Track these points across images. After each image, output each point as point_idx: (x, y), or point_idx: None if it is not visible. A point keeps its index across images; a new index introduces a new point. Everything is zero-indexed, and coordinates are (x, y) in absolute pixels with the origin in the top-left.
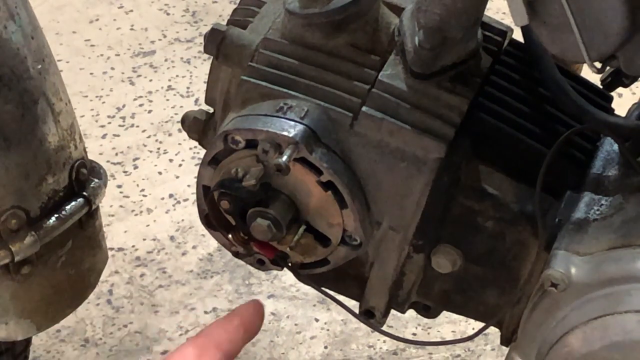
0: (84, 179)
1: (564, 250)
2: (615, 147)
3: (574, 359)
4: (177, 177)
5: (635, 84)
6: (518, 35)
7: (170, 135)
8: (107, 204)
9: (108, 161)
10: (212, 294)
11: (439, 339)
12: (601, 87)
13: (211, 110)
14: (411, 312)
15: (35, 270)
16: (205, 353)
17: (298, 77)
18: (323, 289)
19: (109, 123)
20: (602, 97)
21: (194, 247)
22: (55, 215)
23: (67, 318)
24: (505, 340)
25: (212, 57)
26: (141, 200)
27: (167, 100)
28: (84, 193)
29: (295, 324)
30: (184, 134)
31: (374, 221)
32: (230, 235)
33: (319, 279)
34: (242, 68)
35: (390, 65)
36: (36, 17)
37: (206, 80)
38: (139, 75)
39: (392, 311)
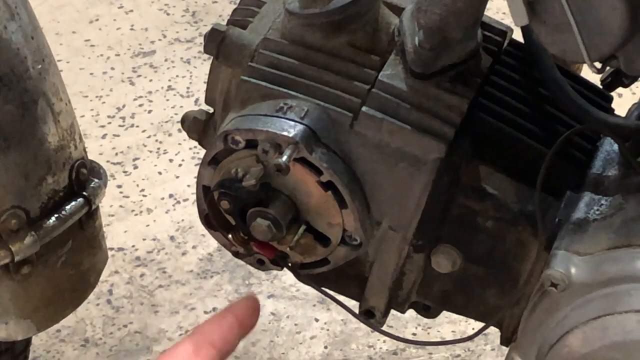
0: (84, 179)
1: (564, 250)
2: (615, 147)
3: (574, 358)
4: (177, 177)
5: (635, 84)
6: (518, 35)
7: (170, 135)
8: (107, 204)
9: (108, 161)
10: (212, 294)
11: (439, 339)
12: (601, 87)
13: (211, 110)
14: (411, 312)
15: (35, 270)
16: (199, 351)
17: (298, 77)
18: (323, 289)
19: (109, 123)
20: (602, 97)
21: (194, 247)
22: (55, 215)
23: (67, 318)
24: (505, 340)
25: (212, 57)
26: (141, 200)
27: (167, 100)
28: (84, 193)
29: (295, 324)
30: (184, 134)
31: (374, 221)
32: (230, 235)
33: (319, 279)
34: (242, 68)
35: (390, 65)
36: (36, 17)
37: (206, 80)
38: (139, 75)
39: (392, 311)
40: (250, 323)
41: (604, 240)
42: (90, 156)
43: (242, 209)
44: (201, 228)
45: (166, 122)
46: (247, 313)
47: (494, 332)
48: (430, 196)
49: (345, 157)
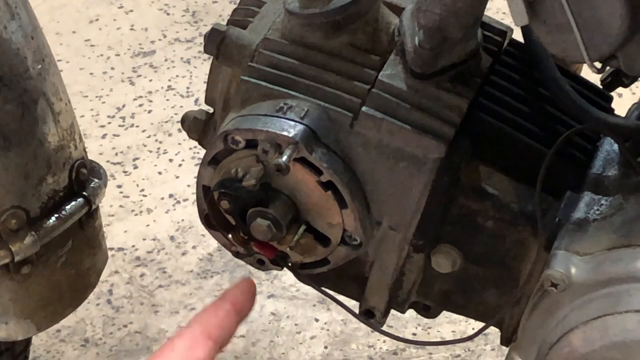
0: (84, 179)
1: (564, 250)
2: (615, 147)
3: (574, 358)
4: (177, 177)
5: (635, 84)
6: (518, 35)
7: (170, 135)
8: (107, 204)
9: (108, 161)
10: (212, 294)
11: (439, 339)
12: (601, 87)
13: (211, 110)
14: (411, 312)
15: (35, 270)
16: (196, 344)
17: (298, 77)
18: (323, 289)
19: (109, 123)
20: (602, 97)
21: (194, 247)
22: (55, 215)
23: (67, 318)
24: (505, 340)
25: (212, 57)
26: (141, 200)
27: (167, 100)
28: (84, 193)
29: (295, 324)
30: (184, 134)
31: (374, 221)
32: (230, 235)
33: (319, 279)
34: (242, 68)
35: (390, 65)
36: (36, 17)
37: (206, 80)
38: (139, 75)
39: (392, 311)
40: (248, 307)
41: (604, 240)
42: (90, 156)
43: (242, 209)
44: (201, 228)
45: (166, 122)
46: (243, 298)
47: (494, 332)
48: (430, 196)
49: (345, 157)
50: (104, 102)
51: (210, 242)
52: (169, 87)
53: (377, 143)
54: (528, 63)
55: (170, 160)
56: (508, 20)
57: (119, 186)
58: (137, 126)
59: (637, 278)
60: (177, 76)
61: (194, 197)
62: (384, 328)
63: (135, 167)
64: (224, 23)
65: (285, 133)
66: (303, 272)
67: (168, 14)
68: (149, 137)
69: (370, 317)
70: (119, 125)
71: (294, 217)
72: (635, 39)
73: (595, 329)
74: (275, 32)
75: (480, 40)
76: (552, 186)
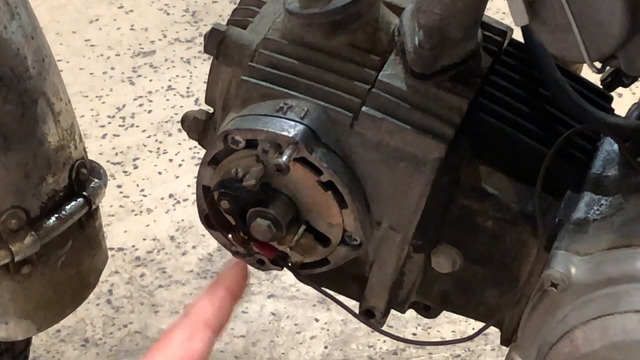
0: (84, 179)
1: (564, 250)
2: (615, 147)
3: (574, 358)
4: (177, 177)
5: (635, 84)
6: (518, 35)
7: (170, 135)
8: (107, 204)
9: (108, 161)
10: None
11: (439, 339)
12: (601, 87)
13: (211, 110)
14: (411, 312)
15: (35, 270)
16: (195, 335)
17: (298, 77)
18: (323, 289)
19: (109, 123)
20: (602, 97)
21: (194, 247)
22: (55, 215)
23: (67, 318)
24: (505, 340)
25: (212, 57)
26: (141, 200)
27: (167, 100)
28: (84, 193)
29: (295, 324)
30: (184, 134)
31: (374, 221)
32: (230, 235)
33: (319, 279)
34: (242, 68)
35: (390, 65)
36: (36, 17)
37: (206, 80)
38: (139, 75)
39: (392, 311)
40: (242, 289)
41: (604, 240)
42: (90, 156)
43: (242, 209)
44: (201, 228)
45: (166, 122)
46: (236, 281)
47: (494, 332)
48: (430, 196)
49: (345, 157)
50: (104, 102)
51: (210, 242)
52: (169, 87)
53: (377, 143)
54: (528, 63)
55: (170, 160)
56: (508, 20)
57: (119, 186)
58: (137, 126)
59: (637, 278)
60: (177, 76)
61: (194, 197)
62: (384, 328)
63: (135, 167)
64: (224, 23)
65: (285, 133)
66: (303, 272)
67: (168, 14)
68: (149, 137)
69: (370, 317)
70: (119, 125)
71: (294, 217)
72: (635, 39)
73: (595, 329)
74: (275, 32)
75: (480, 40)
76: (552, 186)
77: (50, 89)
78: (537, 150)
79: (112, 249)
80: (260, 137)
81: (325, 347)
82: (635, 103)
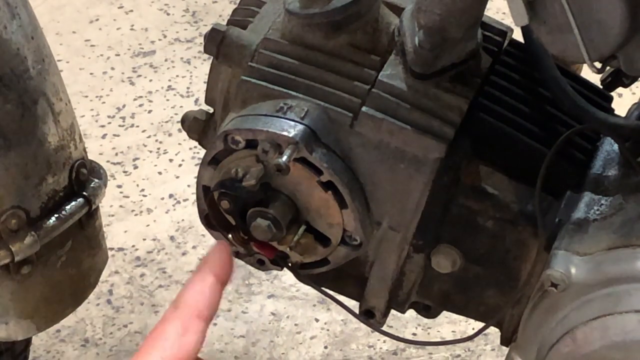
0: (84, 179)
1: (564, 250)
2: (615, 147)
3: (574, 358)
4: (177, 177)
5: (635, 84)
6: (518, 35)
7: (170, 135)
8: (107, 204)
9: (108, 161)
10: None
11: (439, 339)
12: (601, 87)
13: (211, 110)
14: (411, 312)
15: (35, 270)
16: (188, 327)
17: (298, 77)
18: (323, 289)
19: (109, 123)
20: (602, 97)
21: (194, 247)
22: (55, 215)
23: (67, 318)
24: (505, 340)
25: (212, 57)
26: (141, 200)
27: (167, 100)
28: (84, 193)
29: (295, 324)
30: (184, 134)
31: (374, 221)
32: (230, 235)
33: (319, 279)
34: (242, 68)
35: (390, 65)
36: (36, 17)
37: (206, 80)
38: (139, 75)
39: (392, 311)
40: (229, 273)
41: (604, 240)
42: (90, 156)
43: (242, 209)
44: (201, 228)
45: (166, 122)
46: (223, 265)
47: (494, 332)
48: (430, 196)
49: (345, 157)
50: (104, 102)
51: (210, 242)
52: (169, 87)
53: (377, 143)
54: (528, 63)
55: (170, 160)
56: (508, 20)
57: (119, 186)
58: (137, 126)
59: (637, 278)
60: (177, 76)
61: (194, 197)
62: (384, 328)
63: (135, 167)
64: (224, 23)
65: (285, 133)
66: (303, 272)
67: (168, 14)
68: (149, 137)
69: (370, 317)
70: (119, 125)
71: (294, 217)
72: (635, 39)
73: (595, 329)
74: (275, 32)
75: (480, 40)
76: (552, 186)
77: (50, 89)
78: (537, 150)
79: (112, 249)
80: (260, 137)
81: (325, 347)
82: (635, 103)
